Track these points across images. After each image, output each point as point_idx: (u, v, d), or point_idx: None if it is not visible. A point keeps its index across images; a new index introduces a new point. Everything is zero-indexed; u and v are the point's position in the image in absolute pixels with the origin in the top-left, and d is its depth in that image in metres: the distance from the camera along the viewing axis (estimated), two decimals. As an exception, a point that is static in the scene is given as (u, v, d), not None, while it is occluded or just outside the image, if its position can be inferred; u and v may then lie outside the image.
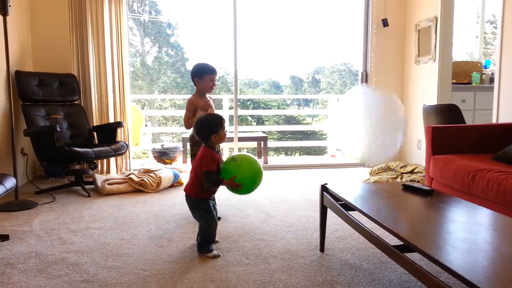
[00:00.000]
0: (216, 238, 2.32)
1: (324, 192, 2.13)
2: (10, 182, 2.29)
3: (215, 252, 2.15)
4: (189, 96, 2.86)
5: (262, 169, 2.20)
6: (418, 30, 4.57)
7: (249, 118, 12.52)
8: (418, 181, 3.48)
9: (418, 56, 4.61)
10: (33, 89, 3.76)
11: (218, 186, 2.18)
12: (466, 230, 1.50)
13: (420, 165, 3.91)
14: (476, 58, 5.87)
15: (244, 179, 2.10)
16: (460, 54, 6.38)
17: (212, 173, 2.09)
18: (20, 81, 3.68)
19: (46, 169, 4.11)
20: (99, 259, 2.10)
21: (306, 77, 16.05)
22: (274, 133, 12.17)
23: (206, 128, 2.16)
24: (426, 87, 4.51)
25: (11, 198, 3.20)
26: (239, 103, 5.12)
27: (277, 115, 13.17)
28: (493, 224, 1.56)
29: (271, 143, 10.02)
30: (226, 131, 2.23)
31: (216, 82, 2.81)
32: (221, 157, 2.24)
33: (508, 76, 3.45)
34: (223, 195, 3.49)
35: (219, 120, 2.18)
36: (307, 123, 13.52)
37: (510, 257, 1.25)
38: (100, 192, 3.58)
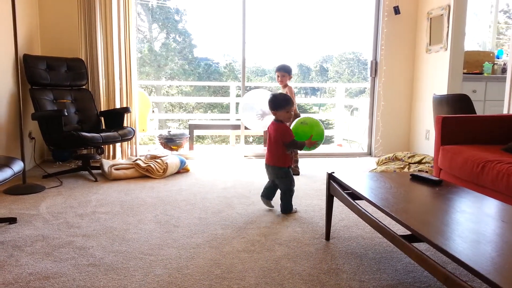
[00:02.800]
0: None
1: (331, 181, 2.12)
2: (18, 166, 2.30)
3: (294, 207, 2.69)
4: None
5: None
6: (430, 18, 4.49)
7: (256, 106, 12.46)
8: (426, 172, 3.45)
9: (430, 44, 4.53)
10: (41, 73, 3.76)
11: (302, 149, 2.68)
12: (475, 221, 1.49)
13: (428, 155, 3.88)
14: (489, 48, 5.77)
15: (319, 136, 2.72)
16: (472, 44, 6.28)
17: None
18: (28, 65, 3.67)
19: (54, 153, 4.13)
20: (106, 243, 2.12)
21: (314, 66, 15.93)
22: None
23: (290, 102, 2.63)
24: (436, 77, 4.45)
25: (19, 181, 3.22)
26: (246, 91, 5.08)
27: (285, 104, 13.06)
28: (503, 216, 1.54)
29: (277, 132, 9.93)
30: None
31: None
32: None
33: (521, 67, 3.39)
34: (229, 183, 3.50)
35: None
36: (314, 112, 13.45)
37: (519, 249, 1.23)
38: (107, 177, 3.60)
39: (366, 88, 6.32)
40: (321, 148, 6.17)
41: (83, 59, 4.14)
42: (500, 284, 0.97)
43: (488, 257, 1.15)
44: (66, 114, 3.44)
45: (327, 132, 9.36)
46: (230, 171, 3.98)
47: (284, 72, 4.02)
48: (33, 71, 3.70)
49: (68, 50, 4.20)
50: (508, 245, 1.26)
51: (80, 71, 4.06)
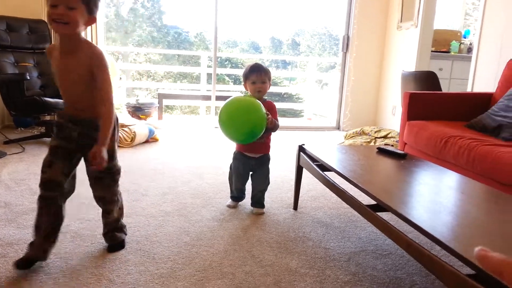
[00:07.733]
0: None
1: (301, 153, 2.14)
2: (-23, 130, 2.19)
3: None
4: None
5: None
6: (402, -5, 4.52)
7: (226, 78, 12.32)
8: (391, 146, 3.55)
9: (401, 21, 4.58)
10: (0, 34, 3.55)
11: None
12: (437, 192, 1.55)
13: (394, 130, 3.99)
14: (457, 28, 5.89)
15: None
16: (441, 23, 6.39)
17: None
18: (-15, 24, 3.46)
19: (15, 119, 3.97)
20: (71, 210, 2.07)
21: (286, 40, 15.81)
22: (251, 94, 12.06)
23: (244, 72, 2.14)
24: (405, 54, 4.52)
25: (-22, 147, 3.09)
26: (218, 62, 5.01)
27: (255, 76, 12.94)
28: (462, 188, 1.61)
29: (248, 104, 9.90)
30: (254, 85, 2.09)
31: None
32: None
33: (486, 47, 3.49)
34: (199, 153, 3.48)
35: (247, 68, 2.12)
36: (285, 86, 13.46)
37: (476, 218, 1.30)
38: (72, 145, 3.49)
39: (336, 63, 6.36)
40: (291, 122, 6.22)
41: (46, 21, 3.93)
42: (457, 250, 1.02)
43: (448, 226, 1.21)
44: (28, 78, 3.29)
45: (297, 106, 9.40)
46: (200, 141, 3.96)
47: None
48: (-9, 31, 3.49)
49: (30, 11, 3.98)
50: (467, 215, 1.33)
51: (43, 33, 3.86)
